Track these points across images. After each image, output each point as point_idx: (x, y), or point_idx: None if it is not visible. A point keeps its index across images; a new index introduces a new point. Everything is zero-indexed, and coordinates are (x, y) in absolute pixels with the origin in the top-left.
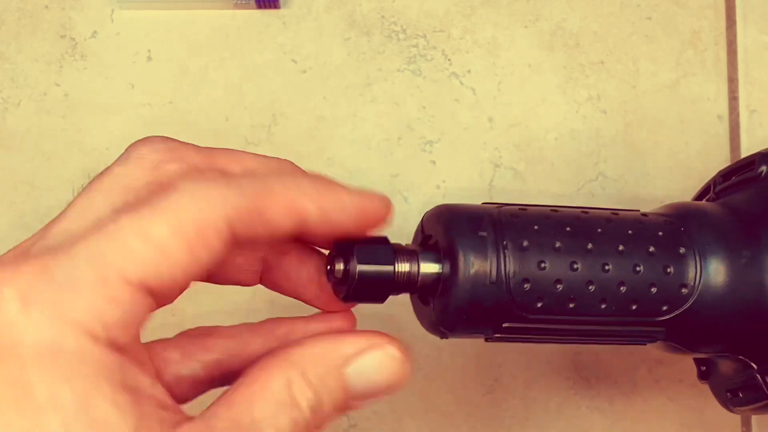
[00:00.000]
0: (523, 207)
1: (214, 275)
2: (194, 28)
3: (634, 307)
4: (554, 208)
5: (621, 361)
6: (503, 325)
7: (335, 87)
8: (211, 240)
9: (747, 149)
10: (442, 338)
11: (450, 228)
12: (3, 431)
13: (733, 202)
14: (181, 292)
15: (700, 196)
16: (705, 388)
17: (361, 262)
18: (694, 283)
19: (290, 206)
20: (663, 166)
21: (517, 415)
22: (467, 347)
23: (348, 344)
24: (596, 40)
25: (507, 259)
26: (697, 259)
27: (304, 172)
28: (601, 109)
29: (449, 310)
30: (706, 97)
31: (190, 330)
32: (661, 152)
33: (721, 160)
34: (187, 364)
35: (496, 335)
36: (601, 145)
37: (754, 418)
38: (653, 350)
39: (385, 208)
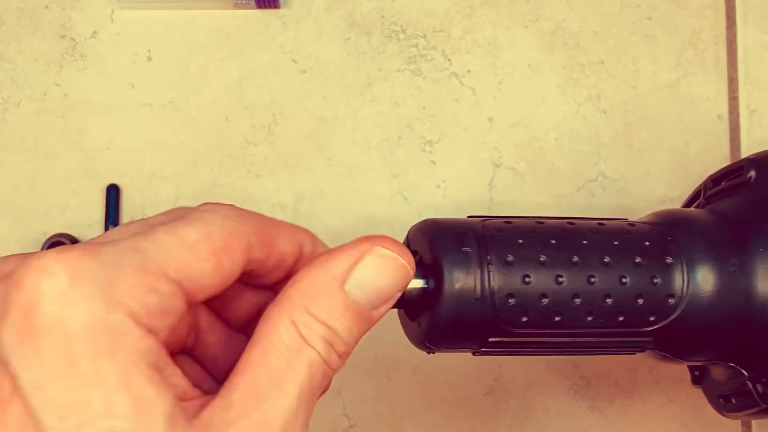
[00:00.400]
0: (508, 220)
1: None
2: (194, 28)
3: (620, 319)
4: (540, 220)
5: (621, 361)
6: (489, 339)
7: (335, 87)
8: (234, 253)
9: (747, 149)
10: (428, 353)
11: (435, 244)
12: (47, 406)
13: (721, 209)
14: (201, 302)
15: (690, 201)
16: None
17: None
18: (681, 293)
19: (294, 238)
20: (663, 166)
21: (517, 415)
22: None
23: (337, 262)
24: (596, 40)
25: (491, 274)
26: (684, 268)
27: None
28: (601, 109)
29: (435, 326)
30: (706, 97)
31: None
32: (661, 152)
33: (721, 160)
34: (181, 379)
35: (483, 350)
36: (601, 145)
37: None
38: (647, 357)
39: None
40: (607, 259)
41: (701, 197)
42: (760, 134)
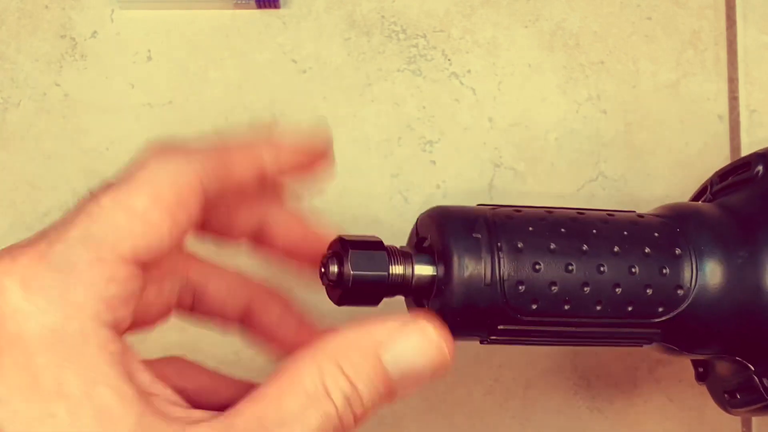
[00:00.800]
0: (518, 208)
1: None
2: (194, 28)
3: (629, 309)
4: (549, 210)
5: (621, 361)
6: (498, 327)
7: (335, 87)
8: (189, 201)
9: (747, 149)
10: None
11: (444, 230)
12: (11, 419)
13: (729, 203)
14: (163, 259)
15: (697, 197)
16: (705, 388)
17: (355, 266)
18: (690, 284)
19: (249, 157)
20: (663, 166)
21: (517, 415)
22: (467, 347)
23: (382, 328)
24: (596, 40)
25: (501, 260)
26: (693, 260)
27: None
28: (601, 109)
29: (444, 312)
30: (706, 97)
31: (171, 357)
32: (661, 152)
33: (721, 160)
34: (157, 386)
35: (491, 338)
36: (601, 145)
37: (755, 419)
38: (653, 350)
39: (326, 143)
40: (616, 249)
41: (708, 192)
42: (760, 134)
